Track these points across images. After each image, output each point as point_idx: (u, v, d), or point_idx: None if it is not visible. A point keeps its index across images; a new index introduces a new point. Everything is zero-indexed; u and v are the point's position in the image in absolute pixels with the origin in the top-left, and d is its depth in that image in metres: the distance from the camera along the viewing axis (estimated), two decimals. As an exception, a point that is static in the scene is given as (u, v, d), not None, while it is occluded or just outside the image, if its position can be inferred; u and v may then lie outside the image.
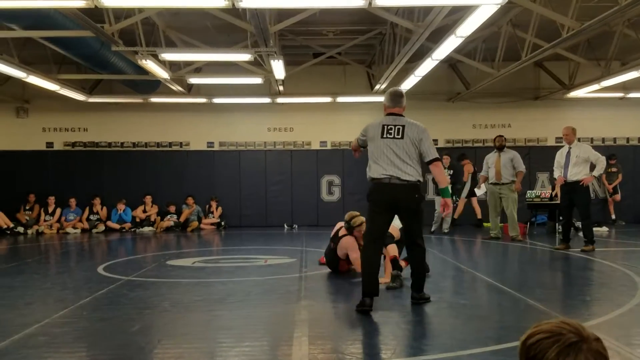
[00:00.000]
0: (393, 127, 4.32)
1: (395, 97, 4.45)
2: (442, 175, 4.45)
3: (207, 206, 12.78)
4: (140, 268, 6.79)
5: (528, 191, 11.33)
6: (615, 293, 5.07)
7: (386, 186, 4.31)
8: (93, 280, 5.92)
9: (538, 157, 12.63)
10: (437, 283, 5.79)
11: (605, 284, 5.72)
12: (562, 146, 8.31)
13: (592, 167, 7.92)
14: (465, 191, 11.81)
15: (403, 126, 4.31)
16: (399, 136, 4.28)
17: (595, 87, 10.83)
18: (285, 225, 12.82)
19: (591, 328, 3.51)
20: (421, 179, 4.38)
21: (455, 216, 11.64)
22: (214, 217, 12.71)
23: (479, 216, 11.96)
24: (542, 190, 11.49)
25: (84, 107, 12.57)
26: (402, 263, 5.41)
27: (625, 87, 11.39)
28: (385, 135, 4.30)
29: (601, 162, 7.81)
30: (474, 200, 11.88)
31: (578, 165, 7.77)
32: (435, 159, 4.35)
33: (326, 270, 6.20)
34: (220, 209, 12.77)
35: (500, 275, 6.14)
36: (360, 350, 3.43)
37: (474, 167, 11.81)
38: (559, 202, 10.79)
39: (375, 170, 4.36)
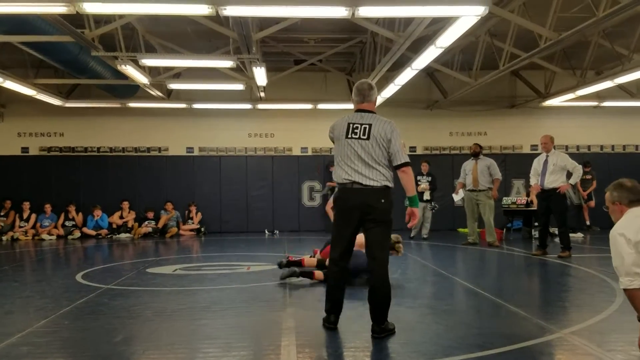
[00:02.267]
0: (359, 125, 3.81)
1: (363, 91, 3.91)
2: (410, 182, 3.87)
3: (186, 212, 12.68)
4: (120, 276, 6.69)
5: (504, 198, 11.54)
6: (594, 299, 5.19)
7: (349, 191, 3.84)
8: (72, 288, 5.82)
9: (513, 164, 12.88)
10: (419, 289, 5.85)
11: (584, 290, 5.85)
12: (539, 154, 8.51)
13: (569, 175, 8.11)
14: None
15: (370, 125, 3.80)
16: (365, 136, 3.78)
17: (571, 96, 11.10)
18: (266, 231, 12.79)
19: (572, 334, 3.61)
20: (390, 184, 3.85)
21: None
22: (193, 223, 12.61)
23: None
24: (517, 197, 11.73)
25: (61, 112, 12.37)
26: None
27: (599, 96, 11.69)
28: (350, 135, 3.82)
29: (577, 170, 8.01)
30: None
31: (555, 173, 7.95)
32: (404, 164, 3.80)
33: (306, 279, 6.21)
34: (199, 214, 12.68)
35: (480, 281, 6.22)
36: (347, 357, 3.44)
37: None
38: (534, 208, 11.04)
39: (338, 174, 3.90)
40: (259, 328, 4.10)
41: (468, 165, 9.86)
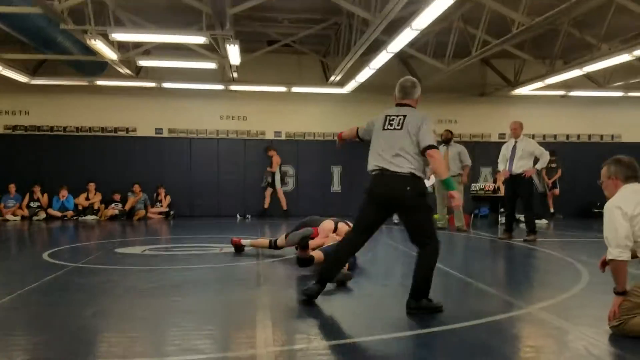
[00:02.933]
0: (395, 117, 3.94)
1: (406, 88, 4.04)
2: (439, 165, 3.90)
3: (155, 194, 12.46)
4: (88, 255, 6.57)
5: (472, 184, 11.72)
6: (561, 279, 5.34)
7: (376, 178, 3.93)
8: (39, 266, 5.67)
9: (482, 152, 13.07)
10: (389, 269, 5.92)
11: (550, 271, 6.02)
12: (506, 141, 8.67)
13: (536, 161, 8.29)
14: (278, 182, 12.61)
15: (405, 116, 3.91)
16: (399, 127, 3.88)
17: (540, 84, 11.32)
18: (238, 215, 12.69)
19: (540, 310, 3.70)
20: (418, 173, 3.85)
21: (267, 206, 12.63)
22: (161, 205, 12.42)
23: (285, 207, 12.66)
24: (485, 184, 11.92)
25: (26, 89, 11.97)
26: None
27: (567, 85, 11.94)
28: (386, 127, 3.94)
29: (545, 156, 8.20)
30: (280, 191, 12.67)
31: (523, 158, 8.11)
32: (430, 146, 3.79)
33: (282, 257, 6.20)
34: (168, 197, 12.48)
35: (449, 262, 6.30)
36: (324, 331, 3.45)
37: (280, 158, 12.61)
38: (501, 194, 11.26)
39: (369, 162, 4.01)
40: (234, 305, 4.07)
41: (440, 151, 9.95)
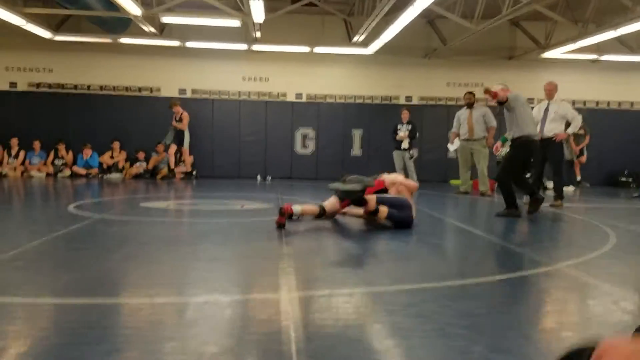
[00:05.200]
0: None
1: None
2: None
3: (178, 154, 12.51)
4: (113, 208, 6.64)
5: (497, 149, 11.52)
6: (587, 240, 5.25)
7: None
8: (65, 217, 5.75)
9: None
10: (415, 228, 5.87)
11: (577, 233, 5.92)
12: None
13: (567, 126, 8.05)
14: (187, 140, 11.71)
15: None
16: None
17: (571, 47, 10.96)
18: (259, 177, 12.74)
19: (567, 267, 3.62)
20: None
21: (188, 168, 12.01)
22: (185, 166, 12.48)
23: (189, 169, 12.04)
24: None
25: (50, 46, 12.00)
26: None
27: (599, 48, 11.55)
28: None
29: (577, 120, 7.93)
30: (186, 152, 11.84)
31: (555, 121, 7.88)
32: None
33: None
34: (191, 157, 12.53)
35: (472, 223, 6.27)
36: (349, 279, 3.44)
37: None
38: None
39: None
40: (258, 253, 4.08)
41: (462, 115, 9.79)
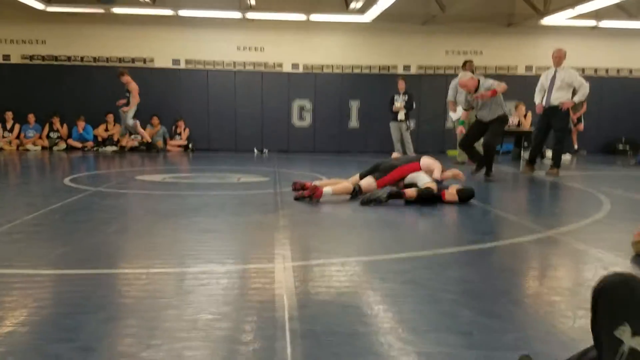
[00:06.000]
0: None
1: None
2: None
3: (174, 127, 12.48)
4: (109, 181, 6.65)
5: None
6: (581, 207, 5.28)
7: None
8: (61, 190, 5.77)
9: (507, 85, 12.67)
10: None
11: (571, 200, 5.96)
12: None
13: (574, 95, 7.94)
14: (132, 111, 10.85)
15: None
16: None
17: (570, 13, 10.81)
18: (255, 150, 12.70)
19: (560, 234, 3.64)
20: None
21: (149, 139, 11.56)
22: (180, 138, 12.45)
23: (148, 139, 11.58)
24: (510, 118, 11.64)
25: (42, 18, 11.82)
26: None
27: (598, 15, 11.40)
28: None
29: (584, 88, 7.78)
30: (138, 125, 11.14)
31: (562, 89, 7.77)
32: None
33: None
34: (187, 130, 12.49)
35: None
36: (343, 250, 3.47)
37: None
38: (525, 129, 11.04)
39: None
40: (253, 225, 4.10)
41: None
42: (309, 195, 4.96)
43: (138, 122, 11.08)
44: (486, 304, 2.35)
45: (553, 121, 7.85)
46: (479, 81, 7.49)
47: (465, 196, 5.13)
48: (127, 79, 10.77)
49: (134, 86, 10.73)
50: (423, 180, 5.30)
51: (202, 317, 2.11)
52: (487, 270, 3.00)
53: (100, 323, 2.05)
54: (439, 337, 1.96)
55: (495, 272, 2.97)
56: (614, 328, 1.03)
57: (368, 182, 5.35)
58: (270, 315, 2.15)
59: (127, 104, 10.75)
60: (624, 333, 1.02)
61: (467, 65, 9.65)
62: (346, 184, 5.30)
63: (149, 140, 11.63)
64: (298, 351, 1.83)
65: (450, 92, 9.76)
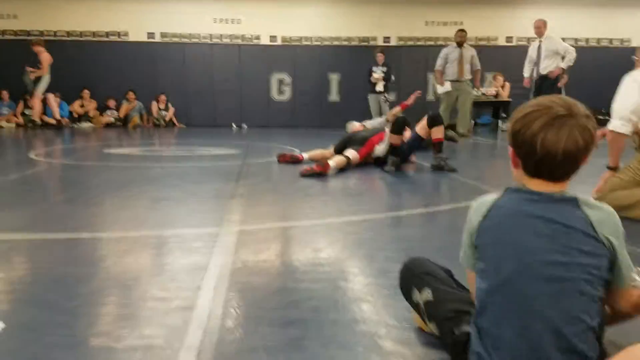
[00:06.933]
0: None
1: None
2: None
3: (156, 101, 12.17)
4: (75, 154, 6.52)
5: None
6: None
7: None
8: (23, 163, 5.64)
9: (488, 57, 12.59)
10: (375, 166, 5.83)
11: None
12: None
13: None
14: (43, 87, 10.38)
15: None
16: None
17: (549, -18, 10.66)
18: (234, 125, 12.55)
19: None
20: None
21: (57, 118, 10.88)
22: (166, 113, 12.18)
23: (37, 118, 10.90)
24: (487, 89, 11.58)
25: (11, -9, 11.51)
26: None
27: (578, -17, 11.29)
28: None
29: (570, 53, 7.74)
30: (38, 98, 10.55)
31: (548, 58, 7.76)
32: None
33: (269, 159, 6.12)
34: (172, 108, 12.23)
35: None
36: (294, 214, 3.41)
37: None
38: (502, 99, 10.99)
39: None
40: (208, 193, 4.01)
41: (452, 54, 9.28)
42: (320, 171, 4.75)
43: (40, 98, 10.43)
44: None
45: (542, 90, 7.80)
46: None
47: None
48: (38, 49, 10.21)
49: (45, 56, 10.17)
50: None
51: (129, 278, 2.05)
52: (433, 231, 2.96)
53: (26, 285, 1.98)
54: (368, 290, 1.91)
55: (441, 232, 2.92)
56: (410, 294, 1.49)
57: (352, 154, 5.28)
58: (203, 274, 2.09)
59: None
60: (414, 294, 1.46)
61: (458, 34, 9.38)
62: (340, 157, 5.18)
63: (37, 120, 10.75)
64: (219, 304, 1.77)
65: (439, 62, 9.48)
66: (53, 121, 11.69)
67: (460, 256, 1.33)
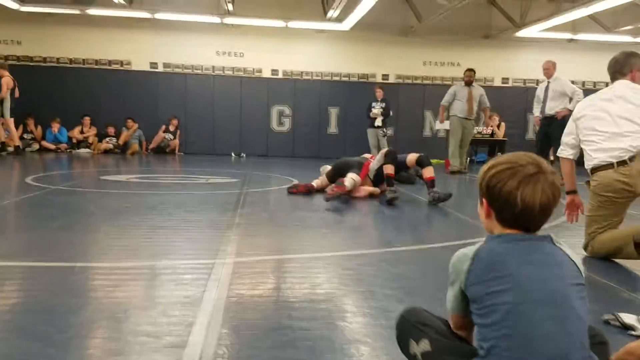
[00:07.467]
0: None
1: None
2: None
3: (168, 125, 12.17)
4: (71, 180, 6.49)
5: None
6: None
7: None
8: (20, 188, 5.62)
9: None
10: (369, 201, 5.82)
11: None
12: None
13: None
14: (7, 109, 10.09)
15: None
16: None
17: (545, 25, 10.92)
18: (233, 154, 12.59)
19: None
20: None
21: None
22: (174, 138, 12.21)
23: (16, 143, 10.46)
24: (483, 127, 11.67)
25: (17, 18, 11.64)
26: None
27: (574, 27, 11.52)
28: None
29: (577, 94, 7.78)
30: (11, 122, 10.27)
31: (555, 99, 7.78)
32: None
33: (267, 188, 6.12)
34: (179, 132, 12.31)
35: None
36: (292, 245, 3.37)
37: (14, 81, 10.15)
38: (498, 138, 11.08)
39: None
40: (206, 223, 3.98)
41: (461, 92, 9.45)
42: (341, 192, 5.09)
43: (10, 121, 10.15)
44: (423, 299, 2.27)
45: (550, 130, 7.83)
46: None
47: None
48: (1, 72, 9.95)
49: (5, 81, 9.91)
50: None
51: (119, 310, 2.00)
52: (432, 268, 2.92)
53: (16, 314, 1.93)
54: (367, 331, 1.87)
55: (439, 270, 2.88)
56: (407, 346, 1.45)
57: (353, 178, 5.41)
58: (196, 309, 2.04)
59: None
60: (412, 346, 1.43)
61: (466, 74, 9.55)
62: (346, 178, 5.38)
63: (18, 144, 10.43)
64: (211, 342, 1.72)
65: (447, 98, 9.59)
66: (52, 147, 11.70)
67: (449, 307, 1.40)
